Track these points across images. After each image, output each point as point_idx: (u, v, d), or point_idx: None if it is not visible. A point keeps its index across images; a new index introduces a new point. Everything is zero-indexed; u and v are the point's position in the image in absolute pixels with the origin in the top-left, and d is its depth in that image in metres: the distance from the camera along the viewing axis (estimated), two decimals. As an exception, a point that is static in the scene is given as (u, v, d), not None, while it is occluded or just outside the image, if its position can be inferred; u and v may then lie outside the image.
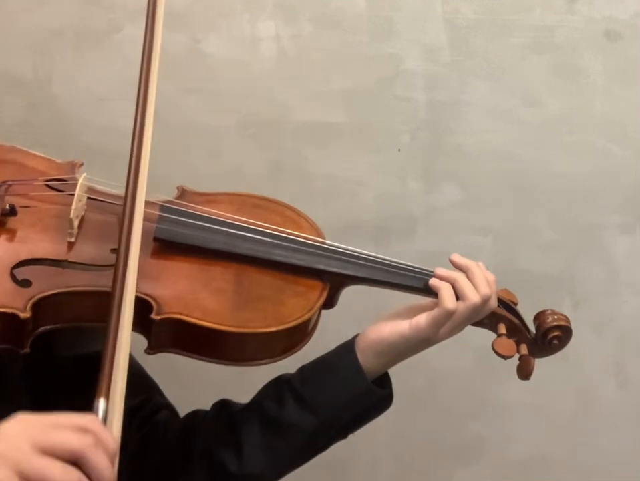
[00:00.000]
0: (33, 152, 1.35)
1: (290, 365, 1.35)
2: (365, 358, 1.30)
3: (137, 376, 1.40)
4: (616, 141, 2.08)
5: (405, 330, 1.30)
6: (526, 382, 2.19)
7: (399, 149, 2.08)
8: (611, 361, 2.20)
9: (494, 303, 1.32)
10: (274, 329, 1.24)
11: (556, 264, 2.13)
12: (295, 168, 2.06)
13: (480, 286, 1.29)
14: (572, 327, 1.38)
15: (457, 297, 1.29)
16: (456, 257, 1.34)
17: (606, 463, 2.25)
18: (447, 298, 1.28)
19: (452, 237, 2.10)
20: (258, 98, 2.04)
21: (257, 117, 2.05)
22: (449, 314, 1.28)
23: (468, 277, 1.30)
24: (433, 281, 1.30)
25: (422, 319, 1.29)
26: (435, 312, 1.28)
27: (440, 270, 1.31)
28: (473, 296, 1.28)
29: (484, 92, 2.05)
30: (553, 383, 2.18)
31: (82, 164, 1.34)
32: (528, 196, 2.11)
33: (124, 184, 1.23)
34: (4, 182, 1.27)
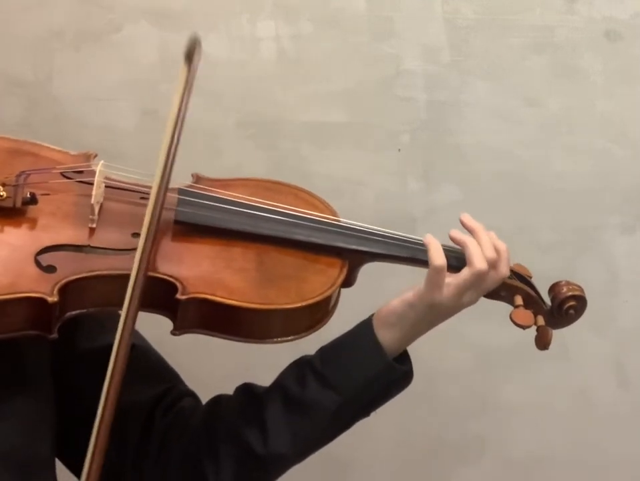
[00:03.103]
0: (47, 145, 1.37)
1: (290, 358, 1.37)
2: (381, 333, 1.32)
3: (159, 365, 1.43)
4: (616, 141, 2.09)
5: (410, 297, 1.31)
6: (526, 382, 2.20)
7: (399, 149, 2.08)
8: (611, 361, 2.20)
9: (504, 271, 1.33)
10: (298, 305, 1.26)
11: (556, 264, 2.13)
12: (295, 168, 2.07)
13: (486, 250, 1.31)
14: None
15: (466, 262, 1.30)
16: (466, 218, 1.35)
17: (606, 463, 2.25)
18: (434, 255, 1.29)
19: (452, 237, 2.09)
20: (258, 98, 2.05)
21: (257, 117, 2.05)
22: (438, 270, 1.28)
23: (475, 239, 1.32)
24: (426, 239, 1.32)
25: (422, 284, 1.31)
26: (428, 271, 1.30)
27: (454, 232, 1.33)
28: (479, 263, 1.30)
29: (484, 92, 2.05)
30: (553, 382, 2.18)
31: (96, 155, 1.36)
32: (528, 196, 2.11)
33: (139, 172, 1.28)
34: (22, 172, 1.28)
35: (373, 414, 1.37)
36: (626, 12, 2.03)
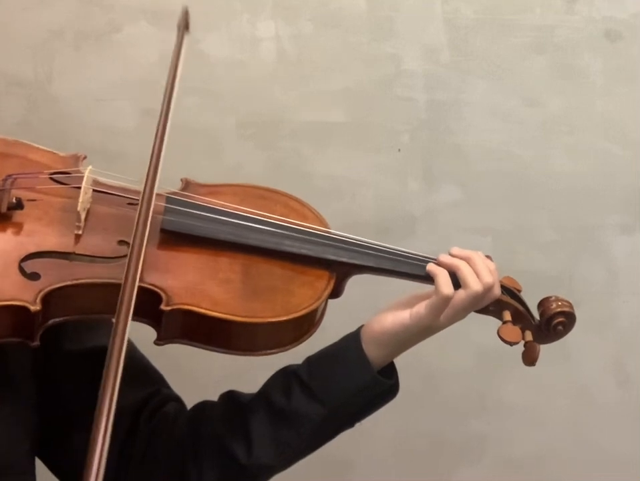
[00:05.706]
0: (37, 145, 1.35)
1: (286, 360, 1.36)
2: (369, 349, 1.31)
3: (143, 369, 1.41)
4: (616, 141, 2.09)
5: (406, 319, 1.30)
6: (526, 382, 2.20)
7: (399, 149, 2.08)
8: (611, 361, 2.20)
9: (497, 291, 1.32)
10: (283, 318, 1.24)
11: (556, 264, 2.13)
12: (295, 168, 2.07)
13: (482, 274, 1.30)
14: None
15: (459, 285, 1.29)
16: (456, 250, 1.34)
17: (606, 462, 2.25)
18: (444, 284, 1.28)
19: (452, 237, 2.10)
20: (258, 98, 2.05)
21: (257, 117, 2.05)
22: (447, 300, 1.28)
23: (470, 266, 1.31)
24: (430, 267, 1.30)
25: (422, 308, 1.29)
26: (433, 299, 1.28)
27: (443, 257, 1.32)
28: (474, 285, 1.28)
29: (484, 92, 2.06)
30: (553, 382, 2.18)
31: (85, 157, 1.34)
32: (528, 196, 2.11)
33: (129, 178, 1.26)
34: (9, 176, 1.26)
35: (358, 424, 1.36)
36: (626, 12, 2.03)
